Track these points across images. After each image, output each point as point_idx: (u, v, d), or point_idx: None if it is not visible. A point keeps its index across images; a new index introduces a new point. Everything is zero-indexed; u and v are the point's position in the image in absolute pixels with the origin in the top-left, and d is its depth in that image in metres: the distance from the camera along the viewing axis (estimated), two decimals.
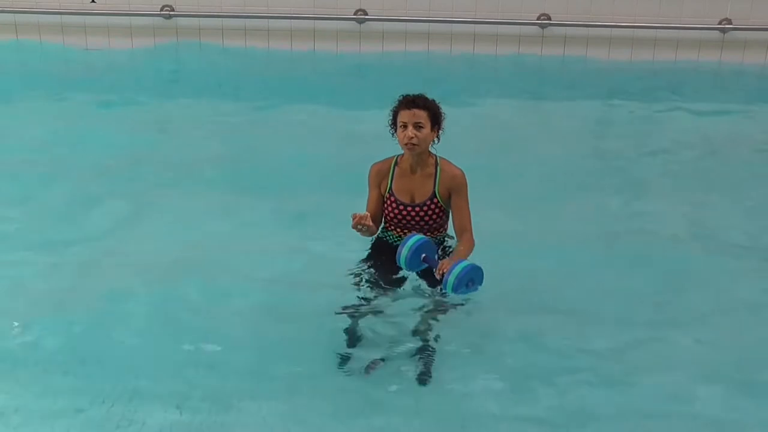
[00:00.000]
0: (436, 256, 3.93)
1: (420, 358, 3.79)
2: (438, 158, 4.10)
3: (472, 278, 3.76)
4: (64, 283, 4.41)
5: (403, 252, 3.80)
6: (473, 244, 4.07)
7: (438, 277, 3.80)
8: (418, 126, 3.91)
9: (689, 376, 3.79)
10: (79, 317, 4.10)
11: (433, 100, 4.01)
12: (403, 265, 3.85)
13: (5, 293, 4.31)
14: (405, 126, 3.93)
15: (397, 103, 4.01)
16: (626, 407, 3.62)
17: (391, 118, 4.03)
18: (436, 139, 4.04)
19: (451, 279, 3.70)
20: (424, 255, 3.84)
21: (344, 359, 3.81)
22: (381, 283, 4.08)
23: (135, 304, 4.20)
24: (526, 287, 4.39)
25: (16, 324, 4.03)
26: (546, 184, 5.75)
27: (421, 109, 3.92)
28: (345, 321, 3.95)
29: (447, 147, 4.20)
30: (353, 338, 3.91)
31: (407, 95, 4.00)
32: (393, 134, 4.05)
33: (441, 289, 3.83)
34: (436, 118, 3.97)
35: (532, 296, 4.32)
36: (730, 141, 6.60)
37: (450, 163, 4.10)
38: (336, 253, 4.43)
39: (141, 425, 3.43)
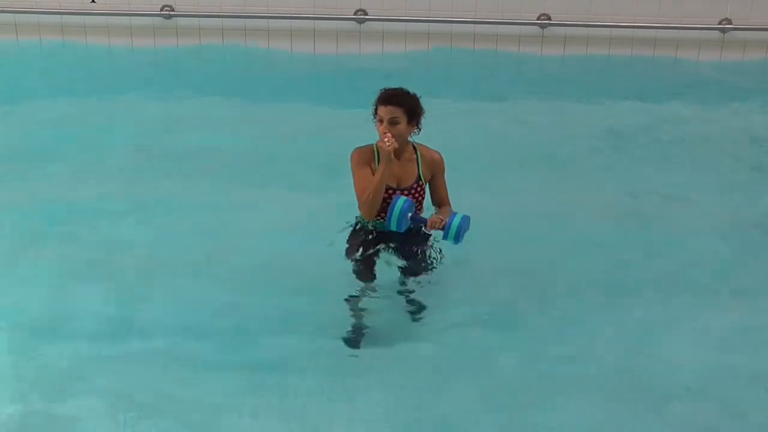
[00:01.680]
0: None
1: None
2: (414, 143, 4.25)
3: (467, 227, 4.05)
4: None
5: (393, 215, 3.99)
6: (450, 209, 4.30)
7: (428, 231, 4.11)
8: (393, 122, 4.04)
9: None
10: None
11: (413, 96, 4.11)
12: (394, 228, 4.04)
13: None
14: (382, 121, 4.06)
15: (378, 95, 4.11)
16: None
17: (373, 108, 4.14)
18: (415, 131, 4.17)
19: (452, 229, 4.00)
20: (410, 214, 4.06)
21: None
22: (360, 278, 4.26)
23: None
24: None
25: None
26: (545, 182, 5.75)
27: (396, 106, 4.04)
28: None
29: (447, 145, 4.27)
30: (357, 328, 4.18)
31: (387, 89, 4.11)
32: (375, 123, 4.15)
33: (443, 238, 4.12)
34: (413, 114, 4.09)
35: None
36: (731, 140, 6.61)
37: (427, 147, 4.28)
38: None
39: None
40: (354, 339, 4.14)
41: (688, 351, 4.08)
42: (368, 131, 4.22)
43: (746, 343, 4.15)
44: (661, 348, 4.09)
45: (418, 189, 4.23)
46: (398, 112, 4.02)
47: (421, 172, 4.21)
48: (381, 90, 4.11)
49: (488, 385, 3.83)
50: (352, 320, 4.21)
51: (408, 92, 4.10)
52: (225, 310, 4.31)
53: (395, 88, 4.10)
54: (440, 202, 4.34)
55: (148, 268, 4.66)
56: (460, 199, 4.37)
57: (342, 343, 4.08)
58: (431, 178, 4.28)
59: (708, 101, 7.34)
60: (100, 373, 3.84)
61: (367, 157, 4.15)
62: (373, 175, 4.11)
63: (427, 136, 4.25)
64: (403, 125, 4.05)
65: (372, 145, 4.21)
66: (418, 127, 4.16)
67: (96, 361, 3.92)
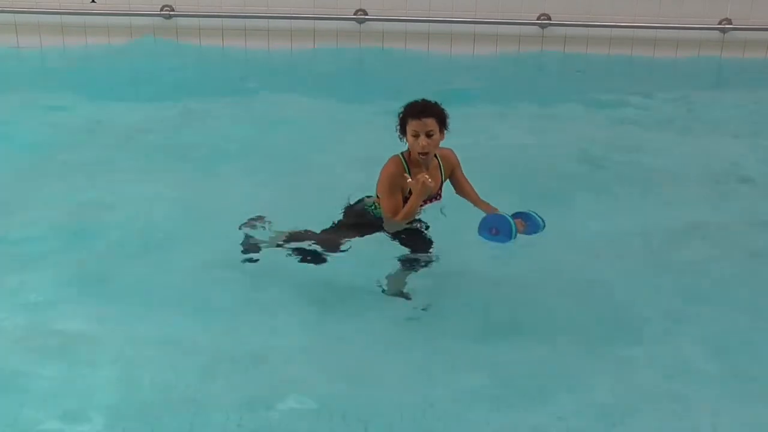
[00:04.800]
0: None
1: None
2: None
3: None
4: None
5: (513, 236, 4.13)
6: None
7: (522, 231, 4.20)
8: (429, 134, 4.09)
9: None
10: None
11: (437, 104, 4.15)
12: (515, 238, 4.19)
13: None
14: (417, 135, 4.10)
15: (404, 110, 4.15)
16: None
17: (398, 124, 4.16)
18: (443, 138, 4.21)
19: (538, 219, 4.28)
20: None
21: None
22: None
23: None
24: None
25: None
26: (544, 184, 5.75)
27: (430, 117, 4.09)
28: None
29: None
30: None
31: (415, 103, 4.14)
32: (401, 138, 4.18)
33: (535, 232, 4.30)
34: (443, 122, 4.15)
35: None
36: (730, 140, 6.61)
37: (439, 147, 4.30)
38: None
39: None
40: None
41: None
42: (369, 129, 4.21)
43: None
44: None
45: (440, 192, 4.36)
46: (432, 124, 4.08)
47: (443, 176, 4.34)
48: (407, 104, 4.14)
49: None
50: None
51: (433, 102, 4.16)
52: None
53: (422, 101, 4.14)
54: (476, 199, 4.42)
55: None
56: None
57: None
58: (450, 176, 4.39)
59: (708, 101, 7.35)
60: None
61: (398, 179, 4.19)
62: (404, 195, 4.19)
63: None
64: (437, 135, 4.11)
65: (398, 159, 4.22)
66: (446, 133, 4.20)
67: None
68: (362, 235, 4.32)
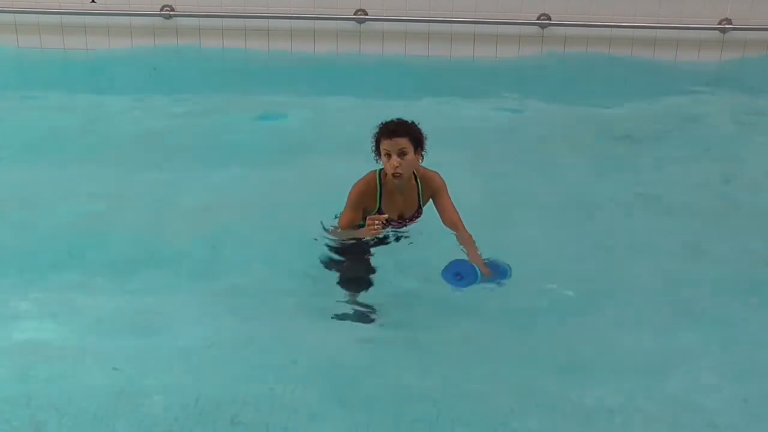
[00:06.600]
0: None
1: None
2: (413, 170, 4.16)
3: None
4: None
5: (474, 284, 3.97)
6: (472, 237, 4.18)
7: (489, 277, 4.01)
8: (401, 153, 3.99)
9: None
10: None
11: (413, 123, 4.07)
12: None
13: None
14: (389, 155, 4.00)
15: (378, 130, 4.07)
16: None
17: (373, 144, 4.09)
18: (420, 159, 4.11)
19: (507, 270, 4.07)
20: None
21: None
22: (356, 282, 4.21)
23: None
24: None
25: None
26: (543, 184, 5.75)
27: (402, 137, 3.99)
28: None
29: (445, 147, 4.25)
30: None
31: (387, 123, 4.06)
32: (377, 160, 4.11)
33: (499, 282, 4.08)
34: (418, 142, 4.04)
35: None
36: (730, 140, 6.62)
37: (425, 169, 4.20)
38: None
39: None
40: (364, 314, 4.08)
41: None
42: (367, 130, 4.20)
43: None
44: None
45: (416, 216, 4.24)
46: (405, 143, 3.98)
47: (422, 201, 4.21)
48: (381, 124, 4.07)
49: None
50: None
51: (408, 121, 4.07)
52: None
53: (395, 120, 4.06)
54: (453, 224, 4.22)
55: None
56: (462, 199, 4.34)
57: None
58: (432, 199, 4.24)
59: (708, 101, 7.35)
60: None
61: (368, 195, 4.13)
62: (367, 212, 4.11)
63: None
64: (410, 155, 4.00)
65: (373, 175, 4.15)
66: (423, 153, 4.11)
67: None
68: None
